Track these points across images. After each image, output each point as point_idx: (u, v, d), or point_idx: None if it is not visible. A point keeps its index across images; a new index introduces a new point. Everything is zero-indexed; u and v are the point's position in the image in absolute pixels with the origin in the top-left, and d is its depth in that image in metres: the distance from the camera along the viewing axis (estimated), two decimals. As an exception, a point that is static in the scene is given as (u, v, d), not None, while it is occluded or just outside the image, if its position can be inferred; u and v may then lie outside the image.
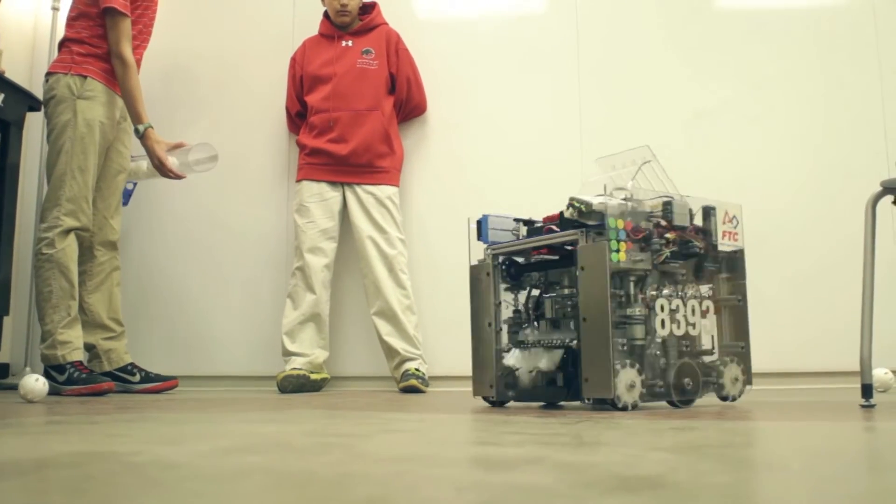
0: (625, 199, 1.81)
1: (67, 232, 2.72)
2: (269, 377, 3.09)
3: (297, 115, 3.26)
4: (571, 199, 1.85)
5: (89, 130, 2.75)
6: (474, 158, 3.29)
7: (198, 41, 3.51)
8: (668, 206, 1.86)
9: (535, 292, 1.98)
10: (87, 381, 2.63)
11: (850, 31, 3.22)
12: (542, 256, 2.00)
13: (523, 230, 2.04)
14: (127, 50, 2.79)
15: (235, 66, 3.48)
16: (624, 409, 1.66)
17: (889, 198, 1.88)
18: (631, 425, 1.28)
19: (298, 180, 3.14)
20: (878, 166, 3.07)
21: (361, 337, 3.16)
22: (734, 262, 1.99)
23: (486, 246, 2.01)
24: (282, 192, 3.37)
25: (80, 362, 2.70)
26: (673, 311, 1.79)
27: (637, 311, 1.74)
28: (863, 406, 1.71)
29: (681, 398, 1.78)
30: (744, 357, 1.94)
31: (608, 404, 1.70)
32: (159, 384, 2.93)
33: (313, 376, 2.93)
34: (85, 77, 2.78)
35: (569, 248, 1.90)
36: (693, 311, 1.83)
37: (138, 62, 2.96)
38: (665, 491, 0.61)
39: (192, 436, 1.10)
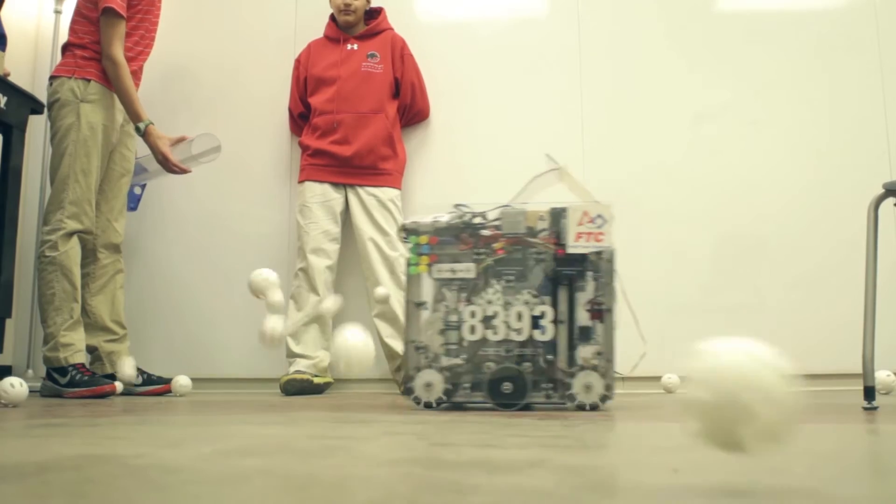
0: (462, 214, 1.93)
1: (70, 235, 2.72)
2: (271, 379, 3.08)
3: (300, 117, 3.26)
4: (403, 226, 2.01)
5: (92, 133, 2.76)
6: (476, 162, 3.29)
7: (200, 44, 3.51)
8: (501, 216, 1.92)
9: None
10: (89, 383, 2.63)
11: (852, 34, 3.22)
12: None
13: None
14: (118, 51, 2.78)
15: (238, 70, 3.48)
16: (428, 406, 1.83)
17: (891, 200, 1.88)
18: (627, 428, 1.28)
19: (301, 181, 3.14)
20: (880, 168, 3.07)
21: (363, 339, 3.16)
22: (599, 265, 1.94)
23: None
24: (284, 194, 3.37)
25: (83, 364, 2.70)
26: (489, 318, 1.86)
27: (453, 317, 1.88)
28: (865, 409, 1.70)
29: (499, 401, 1.82)
30: (605, 364, 1.89)
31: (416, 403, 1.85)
32: (161, 387, 2.93)
33: (316, 380, 2.92)
34: (88, 80, 2.78)
35: None
36: (520, 316, 1.86)
37: (141, 69, 2.96)
38: (667, 494, 0.61)
39: (194, 438, 1.10)
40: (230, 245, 3.36)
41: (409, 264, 1.92)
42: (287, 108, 3.34)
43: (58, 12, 3.44)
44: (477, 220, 1.92)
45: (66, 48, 2.89)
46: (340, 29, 3.22)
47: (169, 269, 3.38)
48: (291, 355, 2.97)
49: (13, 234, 2.76)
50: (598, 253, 1.92)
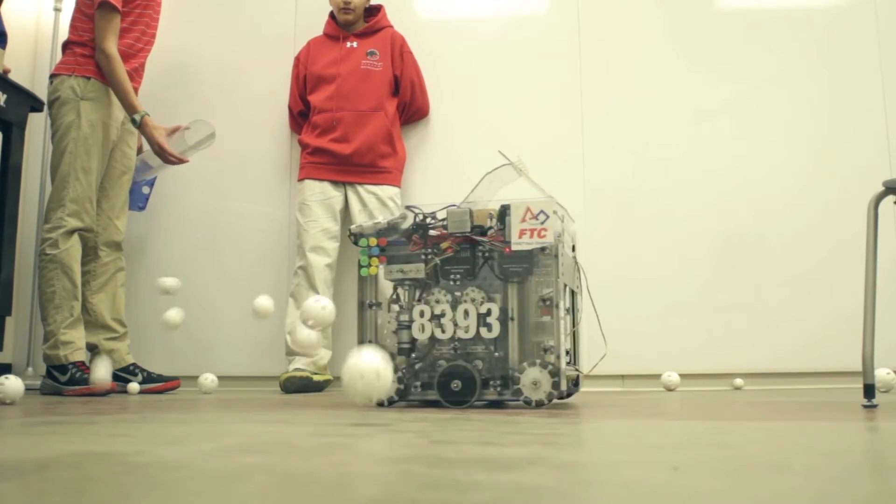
0: (409, 216, 1.97)
1: (71, 232, 2.72)
2: (271, 377, 3.09)
3: (300, 115, 3.26)
4: (350, 229, 2.04)
5: (93, 131, 2.76)
6: (476, 160, 3.27)
7: (200, 42, 3.51)
8: (447, 215, 1.94)
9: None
10: (89, 381, 2.63)
11: (852, 31, 3.22)
12: None
13: None
14: (111, 45, 2.77)
15: (237, 67, 3.48)
16: (380, 404, 1.85)
17: (891, 198, 1.87)
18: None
19: (300, 179, 3.14)
20: (880, 166, 3.07)
21: (363, 337, 3.15)
22: (542, 261, 1.90)
23: None
24: (283, 192, 3.37)
25: (83, 362, 2.70)
26: (437, 316, 1.89)
27: (403, 317, 1.93)
28: (865, 406, 1.71)
29: (449, 399, 1.84)
30: (554, 360, 1.84)
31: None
32: (161, 384, 2.93)
33: (316, 377, 2.92)
34: (88, 78, 2.78)
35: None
36: (466, 314, 1.88)
37: (142, 66, 2.96)
38: (668, 491, 0.61)
39: (194, 436, 1.10)
40: (229, 243, 3.36)
41: (359, 266, 1.96)
42: (287, 107, 3.34)
43: (57, 10, 3.44)
44: (428, 221, 1.95)
45: (66, 46, 2.89)
46: (340, 27, 3.22)
47: (168, 267, 3.38)
48: (291, 353, 2.97)
49: (13, 232, 2.76)
50: (543, 249, 1.88)
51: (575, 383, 2.15)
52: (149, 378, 2.94)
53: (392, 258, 1.95)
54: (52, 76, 2.85)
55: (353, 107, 3.07)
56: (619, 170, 3.24)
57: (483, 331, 1.86)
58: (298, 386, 2.84)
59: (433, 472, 0.71)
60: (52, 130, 2.83)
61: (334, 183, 3.09)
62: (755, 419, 1.48)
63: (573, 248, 2.18)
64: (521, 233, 1.89)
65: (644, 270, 3.15)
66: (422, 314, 1.90)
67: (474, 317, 1.87)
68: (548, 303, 1.87)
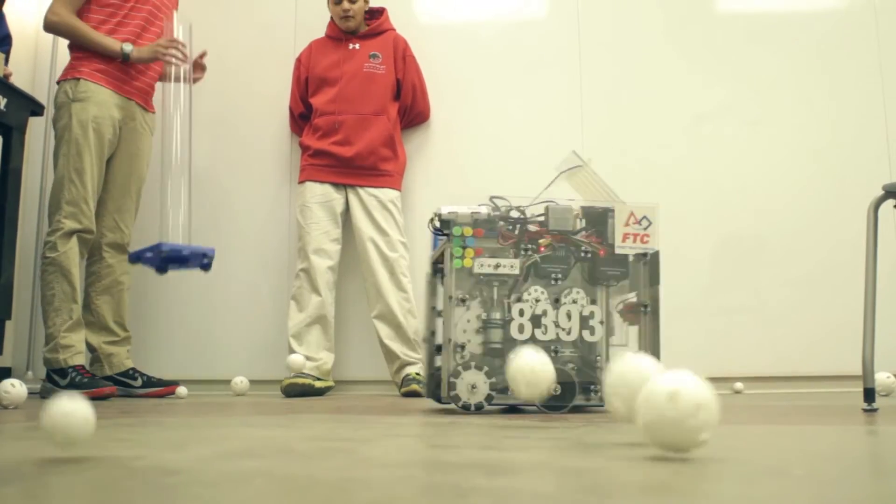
0: (503, 208, 1.85)
1: (69, 235, 2.72)
2: (271, 381, 3.08)
3: (301, 117, 3.26)
4: (435, 213, 1.89)
5: (83, 132, 2.76)
6: (476, 163, 3.29)
7: (200, 43, 3.51)
8: (546, 211, 1.86)
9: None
10: (89, 385, 2.63)
11: (852, 34, 3.23)
12: None
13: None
14: (56, 6, 2.77)
15: (237, 70, 3.48)
16: (466, 408, 1.72)
17: (891, 201, 1.88)
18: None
19: (301, 181, 3.14)
20: (879, 170, 3.08)
21: (364, 340, 3.16)
22: (644, 267, 1.90)
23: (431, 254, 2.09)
24: (283, 196, 3.37)
25: (83, 366, 2.70)
26: (538, 316, 1.79)
27: (495, 315, 1.80)
28: (865, 410, 1.70)
29: (547, 404, 1.75)
30: None
31: (457, 405, 1.74)
32: (161, 389, 2.93)
33: (318, 384, 2.92)
34: (78, 79, 2.78)
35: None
36: (569, 316, 1.80)
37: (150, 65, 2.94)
38: (668, 496, 0.61)
39: (194, 440, 1.10)
40: (229, 245, 3.36)
41: (452, 257, 1.79)
42: (287, 108, 3.34)
43: (58, 14, 3.44)
44: (514, 214, 1.86)
45: (68, 51, 2.90)
46: (342, 30, 3.22)
47: (170, 272, 3.38)
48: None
49: (13, 236, 2.76)
50: (643, 255, 1.89)
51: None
52: (148, 382, 2.94)
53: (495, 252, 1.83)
54: (57, 83, 2.88)
55: (356, 110, 3.07)
56: (619, 172, 3.23)
57: (586, 334, 1.80)
58: (300, 391, 2.84)
59: (433, 477, 0.71)
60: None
61: (335, 185, 3.09)
62: (755, 423, 1.48)
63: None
64: (625, 237, 1.89)
65: (644, 274, 3.15)
66: (521, 313, 1.79)
67: (577, 319, 1.80)
68: (647, 308, 1.86)
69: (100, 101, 2.79)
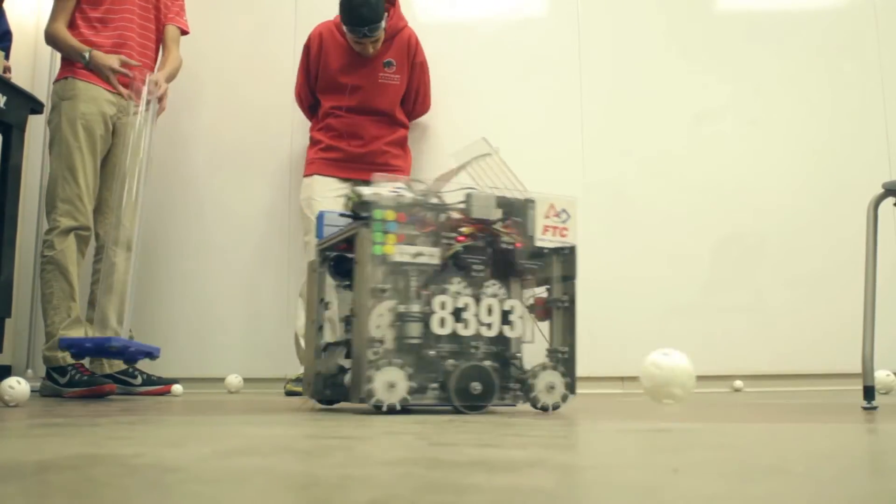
0: (419, 192, 1.73)
1: (66, 233, 2.72)
2: (271, 379, 3.09)
3: (310, 108, 3.22)
4: (351, 189, 1.77)
5: (72, 129, 2.77)
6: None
7: (200, 41, 3.51)
8: (468, 198, 1.74)
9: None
10: (89, 383, 2.63)
11: (852, 33, 3.23)
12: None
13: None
14: (52, 24, 2.83)
15: (237, 70, 3.48)
16: (379, 407, 1.58)
17: (891, 200, 1.88)
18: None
19: (308, 174, 3.11)
20: (879, 168, 3.08)
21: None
22: (562, 261, 1.80)
23: (317, 242, 2.00)
24: (281, 194, 3.37)
25: (82, 364, 2.70)
26: (460, 310, 1.68)
27: (414, 307, 1.67)
28: (865, 408, 1.71)
29: (464, 403, 1.66)
30: (567, 364, 1.76)
31: (370, 404, 1.60)
32: (161, 387, 2.93)
33: None
34: (67, 78, 2.82)
35: None
36: (490, 310, 1.70)
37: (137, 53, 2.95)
38: (667, 493, 0.61)
39: (194, 438, 1.10)
40: (228, 245, 3.36)
41: (373, 242, 1.64)
42: (294, 94, 3.28)
43: (57, 12, 3.44)
44: (434, 201, 1.74)
45: None
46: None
47: (169, 269, 3.38)
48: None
49: (12, 234, 2.76)
50: (560, 248, 1.77)
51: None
52: (148, 380, 2.93)
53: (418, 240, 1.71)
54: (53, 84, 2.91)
55: (368, 116, 3.06)
56: (619, 171, 3.24)
57: (506, 329, 1.72)
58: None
59: (432, 474, 0.71)
60: None
61: (342, 179, 3.07)
62: (755, 421, 1.48)
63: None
64: (545, 229, 1.76)
65: (643, 272, 3.15)
66: (443, 306, 1.67)
67: (498, 314, 1.71)
68: (565, 303, 1.76)
69: (89, 97, 2.80)
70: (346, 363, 1.84)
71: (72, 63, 2.82)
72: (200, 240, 3.39)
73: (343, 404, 2.04)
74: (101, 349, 2.44)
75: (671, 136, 3.24)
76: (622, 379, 3.13)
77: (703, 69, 3.28)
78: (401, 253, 1.67)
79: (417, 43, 3.16)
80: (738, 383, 2.97)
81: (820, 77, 3.21)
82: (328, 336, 2.04)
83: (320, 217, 1.96)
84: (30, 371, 3.25)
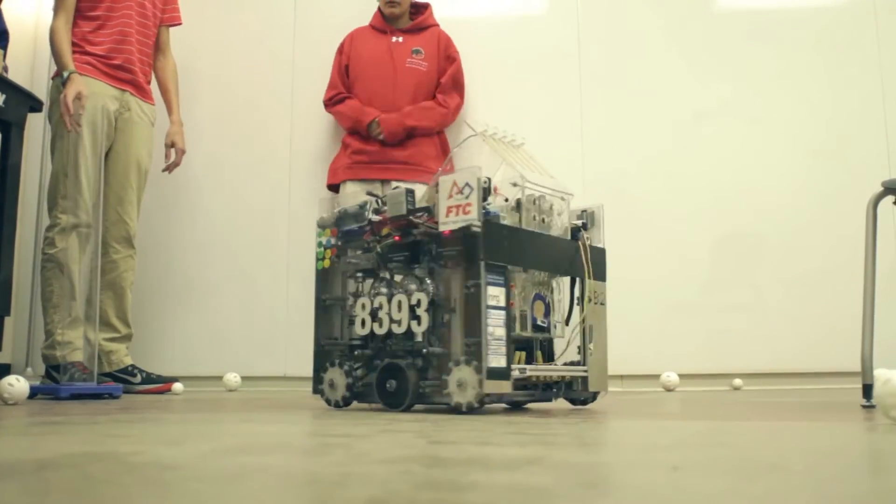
0: (373, 200, 1.81)
1: (68, 230, 2.72)
2: (271, 377, 3.09)
3: (339, 100, 3.21)
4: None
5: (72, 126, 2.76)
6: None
7: (200, 43, 3.51)
8: (385, 200, 1.76)
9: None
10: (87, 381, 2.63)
11: (851, 31, 3.23)
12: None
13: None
14: (54, 21, 2.82)
15: (236, 72, 3.48)
16: (336, 406, 1.79)
17: (890, 198, 1.88)
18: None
19: (337, 182, 3.10)
20: (879, 167, 3.08)
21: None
22: (468, 241, 1.61)
23: None
24: (281, 194, 3.37)
25: (81, 362, 2.69)
26: (376, 309, 1.71)
27: (354, 311, 1.78)
28: (864, 406, 1.71)
29: (386, 401, 1.67)
30: (477, 356, 1.55)
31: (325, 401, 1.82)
32: (160, 385, 2.93)
33: None
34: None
35: None
36: (399, 306, 1.66)
37: (133, 61, 2.95)
38: (666, 492, 0.61)
39: (193, 436, 1.10)
40: (229, 245, 3.36)
41: (316, 259, 1.89)
42: (325, 100, 3.27)
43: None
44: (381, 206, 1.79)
45: None
46: (386, 21, 3.20)
47: (169, 268, 3.38)
48: None
49: (12, 232, 2.76)
50: (467, 227, 1.59)
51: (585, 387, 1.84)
52: (148, 379, 2.93)
53: (351, 249, 1.84)
54: (52, 79, 2.90)
55: (397, 107, 3.05)
56: (618, 170, 3.24)
57: (413, 324, 1.65)
58: None
59: (432, 472, 0.71)
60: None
61: (370, 181, 3.04)
62: (754, 419, 1.48)
63: (581, 228, 1.96)
64: (448, 210, 1.63)
65: (643, 270, 3.15)
66: (363, 307, 1.75)
67: (406, 309, 1.66)
68: (473, 290, 1.57)
69: (91, 93, 2.79)
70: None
71: (73, 57, 2.81)
72: (200, 238, 3.39)
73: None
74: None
75: (671, 134, 3.24)
76: (621, 377, 3.14)
77: (702, 67, 3.28)
78: (343, 265, 1.86)
79: (449, 40, 3.20)
80: (738, 382, 2.97)
81: (820, 76, 3.21)
82: None
83: None
84: (29, 369, 3.25)
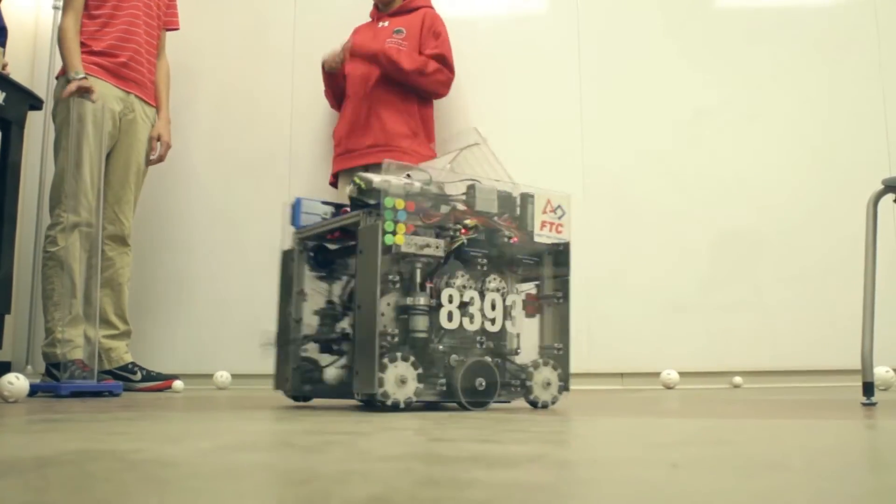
0: (423, 182, 1.67)
1: (70, 229, 2.72)
2: (268, 375, 3.08)
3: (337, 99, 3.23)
4: (356, 175, 1.67)
5: (81, 125, 2.76)
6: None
7: (199, 41, 3.50)
8: (470, 190, 1.71)
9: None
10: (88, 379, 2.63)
11: (852, 29, 3.22)
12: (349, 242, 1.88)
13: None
14: (63, 20, 2.83)
15: (235, 69, 3.48)
16: (395, 407, 1.53)
17: (890, 196, 1.88)
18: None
19: (334, 176, 3.11)
20: (879, 164, 3.08)
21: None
22: (557, 257, 1.80)
23: (294, 230, 1.95)
24: (280, 192, 3.37)
25: (81, 360, 2.69)
26: (466, 304, 1.63)
27: (421, 300, 1.60)
28: (864, 404, 1.71)
29: (470, 400, 1.63)
30: (560, 360, 1.77)
31: (377, 401, 1.54)
32: (160, 383, 2.93)
33: None
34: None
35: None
36: (493, 305, 1.67)
37: (137, 60, 2.95)
38: (667, 489, 0.61)
39: (194, 433, 1.10)
40: (228, 242, 3.36)
41: (384, 232, 1.57)
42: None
43: (56, 8, 3.44)
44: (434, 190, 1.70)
45: None
46: (378, 9, 3.20)
47: (168, 265, 3.38)
48: None
49: (12, 230, 2.76)
50: (556, 244, 1.78)
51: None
52: (147, 376, 2.94)
53: (422, 231, 1.65)
54: (56, 78, 2.90)
55: (372, 89, 3.03)
56: (618, 168, 3.24)
57: (507, 324, 1.70)
58: None
59: (432, 470, 0.71)
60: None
61: (352, 170, 3.03)
62: (754, 417, 1.48)
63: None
64: (542, 224, 1.75)
65: (643, 268, 3.15)
66: (451, 299, 1.63)
67: (501, 308, 1.68)
68: (560, 299, 1.76)
69: (98, 94, 2.80)
70: (322, 358, 1.85)
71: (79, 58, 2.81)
72: (199, 236, 3.38)
73: (319, 401, 2.04)
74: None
75: (670, 132, 3.23)
76: (621, 375, 3.14)
77: (702, 65, 3.27)
78: (408, 244, 1.60)
79: (437, 19, 3.15)
80: (738, 380, 2.97)
81: (819, 73, 3.21)
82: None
83: (297, 204, 1.92)
84: (29, 367, 3.25)
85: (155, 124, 3.04)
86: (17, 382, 1.98)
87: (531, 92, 3.32)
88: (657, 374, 2.94)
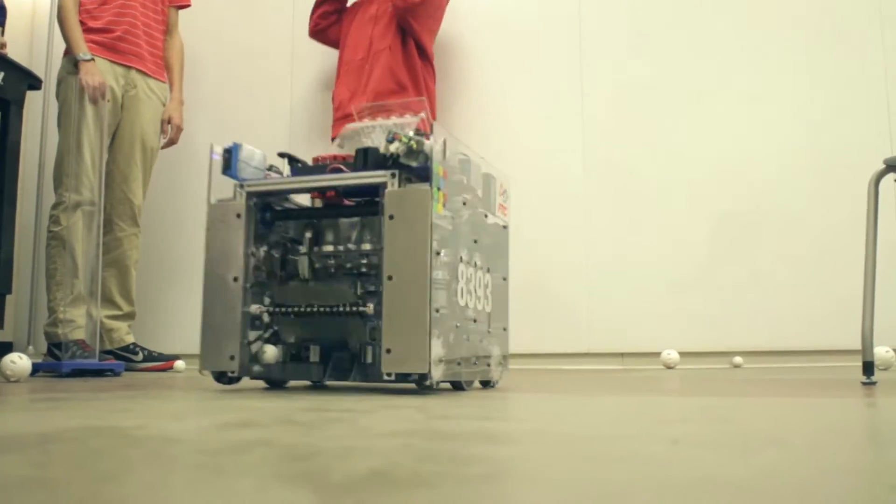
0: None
1: (73, 208, 2.72)
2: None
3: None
4: (396, 134, 1.49)
5: (82, 104, 2.76)
6: (474, 148, 3.28)
7: (199, 38, 3.49)
8: (465, 165, 1.60)
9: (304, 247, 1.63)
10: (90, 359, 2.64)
11: (854, 9, 3.20)
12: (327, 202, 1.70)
13: (287, 168, 1.70)
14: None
15: (236, 63, 3.47)
16: (430, 387, 1.44)
17: (891, 176, 1.87)
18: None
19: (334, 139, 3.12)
20: (881, 144, 3.07)
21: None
22: (500, 238, 1.81)
23: (236, 183, 1.64)
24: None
25: (83, 340, 2.70)
26: (468, 281, 1.56)
27: (440, 274, 1.45)
28: (864, 383, 1.71)
29: (466, 379, 1.60)
30: (503, 340, 1.78)
31: (413, 381, 1.42)
32: (162, 363, 2.94)
33: None
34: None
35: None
36: (480, 283, 1.62)
37: (135, 41, 2.94)
38: (669, 466, 0.61)
39: (195, 411, 1.11)
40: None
41: (433, 200, 1.42)
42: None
43: (54, -13, 3.42)
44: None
45: None
46: None
47: (171, 245, 3.38)
48: None
49: (12, 211, 2.76)
50: (504, 227, 1.80)
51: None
52: (149, 357, 2.95)
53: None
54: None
55: (358, 50, 3.03)
56: (619, 149, 3.23)
57: (486, 304, 1.70)
58: None
59: (433, 445, 0.71)
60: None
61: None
62: (754, 395, 1.49)
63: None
64: (499, 207, 1.81)
65: (643, 249, 3.15)
66: (462, 275, 1.56)
67: (484, 287, 1.68)
68: (504, 280, 1.80)
69: (98, 72, 2.79)
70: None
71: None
72: (201, 218, 3.38)
73: (297, 382, 2.03)
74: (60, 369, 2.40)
75: (671, 113, 3.22)
76: (622, 355, 3.15)
77: (704, 46, 3.25)
78: (443, 216, 1.48)
79: None
80: (738, 359, 2.98)
81: (821, 53, 3.19)
82: None
83: (234, 150, 1.63)
84: (31, 347, 3.26)
85: (166, 105, 3.03)
86: (20, 362, 2.00)
87: (532, 76, 3.31)
88: (657, 355, 2.95)
